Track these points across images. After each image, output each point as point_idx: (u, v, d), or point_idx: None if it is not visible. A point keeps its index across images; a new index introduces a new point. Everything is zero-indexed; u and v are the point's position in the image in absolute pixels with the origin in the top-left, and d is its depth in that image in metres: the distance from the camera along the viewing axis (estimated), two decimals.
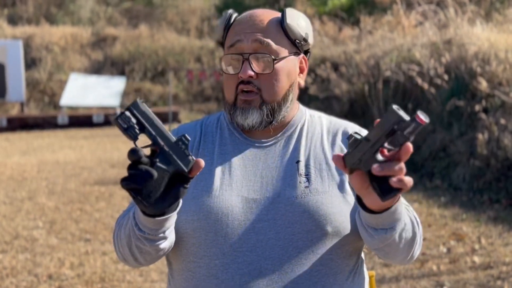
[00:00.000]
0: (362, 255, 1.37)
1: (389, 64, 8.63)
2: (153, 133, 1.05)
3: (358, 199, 1.12)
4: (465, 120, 6.85)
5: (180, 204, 1.15)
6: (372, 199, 1.07)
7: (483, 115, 6.36)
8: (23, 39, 16.15)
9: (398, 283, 3.84)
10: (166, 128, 1.07)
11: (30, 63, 16.55)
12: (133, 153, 1.03)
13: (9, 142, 11.43)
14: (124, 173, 1.07)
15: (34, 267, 4.28)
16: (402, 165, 1.01)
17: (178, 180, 1.06)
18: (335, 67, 10.58)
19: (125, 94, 15.76)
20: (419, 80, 7.60)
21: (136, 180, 1.02)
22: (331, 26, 14.06)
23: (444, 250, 4.42)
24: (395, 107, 0.98)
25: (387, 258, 1.26)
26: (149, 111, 1.05)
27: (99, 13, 20.75)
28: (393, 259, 1.26)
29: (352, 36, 12.37)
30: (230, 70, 1.29)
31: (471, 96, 6.92)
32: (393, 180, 1.00)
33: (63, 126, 13.72)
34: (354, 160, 1.04)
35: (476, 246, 4.46)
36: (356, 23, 13.52)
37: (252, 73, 1.26)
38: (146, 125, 1.04)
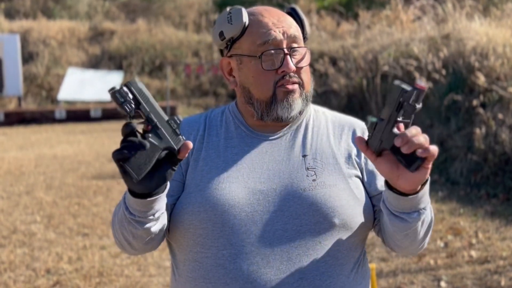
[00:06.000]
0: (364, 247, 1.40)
1: (387, 58, 8.62)
2: (148, 109, 1.09)
3: (388, 186, 1.17)
4: (462, 114, 6.85)
5: (168, 187, 1.18)
6: (406, 180, 1.12)
7: (480, 110, 6.37)
8: (20, 34, 16.08)
9: (396, 277, 3.85)
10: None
11: (28, 57, 16.49)
12: (127, 126, 1.08)
13: (7, 137, 11.41)
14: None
15: (32, 261, 4.29)
16: (419, 134, 1.07)
17: (167, 161, 1.11)
18: (333, 61, 10.58)
19: None
20: (417, 75, 7.60)
21: (128, 149, 1.06)
22: (329, 20, 14.05)
23: (442, 244, 4.44)
24: (397, 82, 1.06)
25: (408, 245, 1.29)
26: (145, 89, 1.09)
27: (96, 7, 20.69)
28: (411, 245, 1.29)
29: (350, 30, 12.36)
30: (267, 66, 1.30)
31: (469, 91, 6.93)
32: (419, 151, 1.06)
33: (60, 121, 13.70)
34: (376, 141, 1.10)
35: (473, 241, 4.48)
36: (354, 17, 13.50)
37: (294, 67, 1.30)
38: (142, 101, 1.08)
